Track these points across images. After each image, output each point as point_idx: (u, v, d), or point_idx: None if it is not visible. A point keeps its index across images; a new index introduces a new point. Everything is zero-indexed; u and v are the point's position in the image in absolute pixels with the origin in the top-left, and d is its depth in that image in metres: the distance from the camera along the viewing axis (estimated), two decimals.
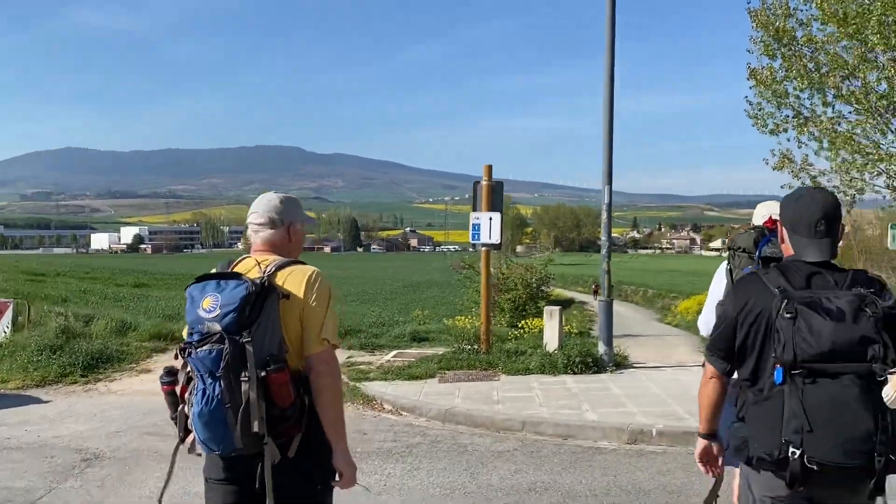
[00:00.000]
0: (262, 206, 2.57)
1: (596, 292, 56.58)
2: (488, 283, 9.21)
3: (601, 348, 8.74)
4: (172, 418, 2.43)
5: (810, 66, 14.36)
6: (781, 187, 15.46)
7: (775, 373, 2.05)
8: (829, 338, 1.99)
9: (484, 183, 9.01)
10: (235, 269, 2.46)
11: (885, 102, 13.34)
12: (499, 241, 8.89)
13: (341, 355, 10.22)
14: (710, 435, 2.49)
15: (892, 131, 13.50)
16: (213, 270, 2.46)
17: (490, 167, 9.14)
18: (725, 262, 3.61)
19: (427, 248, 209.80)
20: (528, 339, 10.71)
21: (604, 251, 8.89)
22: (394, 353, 10.76)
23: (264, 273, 2.36)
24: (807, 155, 14.71)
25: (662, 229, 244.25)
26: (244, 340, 2.20)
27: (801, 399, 2.00)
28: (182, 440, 2.43)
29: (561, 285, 65.14)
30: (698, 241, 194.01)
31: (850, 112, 14.36)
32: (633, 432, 6.07)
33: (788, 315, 2.04)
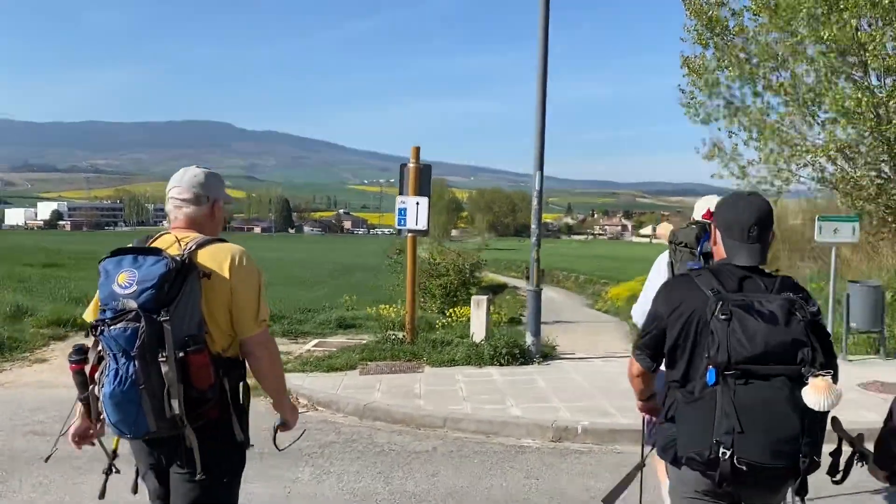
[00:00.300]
0: (186, 181, 2.46)
1: (527, 276, 57.51)
2: (414, 270, 8.77)
3: (528, 339, 8.45)
4: (81, 399, 2.31)
5: (742, 56, 14.45)
6: (711, 176, 15.61)
7: (708, 374, 2.06)
8: (762, 340, 2.02)
9: (411, 165, 8.55)
10: (154, 243, 2.35)
11: (812, 95, 13.51)
12: (426, 227, 8.46)
13: None
14: (648, 399, 2.63)
15: (818, 123, 13.71)
16: (130, 245, 2.33)
17: (418, 149, 8.68)
18: (666, 254, 3.56)
19: (361, 231, 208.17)
20: (457, 328, 10.37)
21: (534, 238, 8.53)
22: (315, 341, 10.25)
23: (185, 250, 2.27)
24: (736, 145, 14.86)
25: (595, 215, 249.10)
26: (162, 319, 2.10)
27: (733, 400, 2.01)
28: (94, 423, 2.32)
29: (494, 270, 65.49)
30: (629, 227, 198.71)
31: (778, 103, 14.55)
32: (557, 429, 5.77)
33: (724, 316, 2.05)
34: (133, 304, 2.11)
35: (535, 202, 8.22)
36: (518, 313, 27.84)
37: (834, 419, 2.17)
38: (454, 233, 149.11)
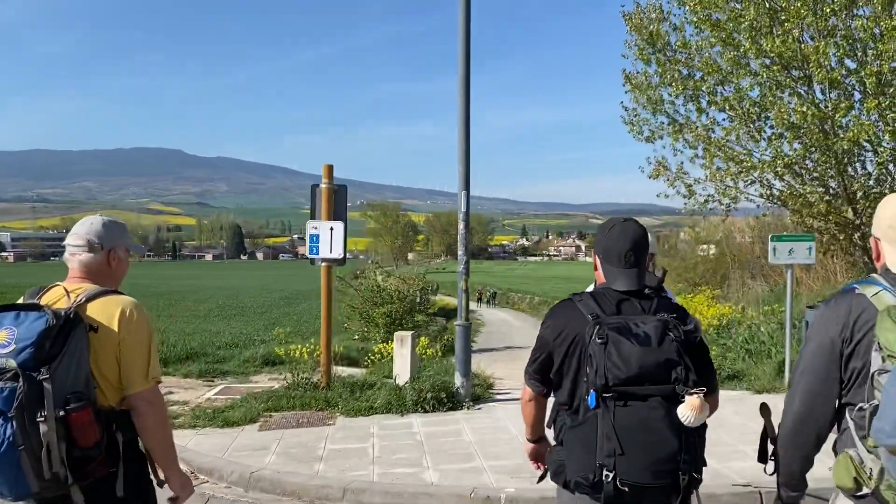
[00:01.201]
0: (82, 228, 2.42)
1: (480, 298, 56.65)
2: (329, 306, 7.76)
3: (458, 380, 7.48)
4: None
5: (684, 71, 13.94)
6: (657, 196, 15.02)
7: (589, 397, 2.09)
8: (636, 362, 2.06)
9: (323, 186, 7.60)
10: (43, 298, 2.32)
11: (757, 109, 13.04)
12: (342, 256, 7.49)
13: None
14: (539, 439, 2.61)
15: (764, 139, 13.22)
16: (20, 300, 2.30)
17: (331, 168, 7.72)
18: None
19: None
20: (384, 366, 9.40)
21: (461, 266, 7.53)
22: (220, 387, 9.16)
23: (73, 304, 2.23)
24: (682, 163, 14.28)
25: (550, 237, 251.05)
26: (42, 378, 2.04)
27: (613, 422, 2.05)
28: None
29: (449, 293, 64.80)
30: (583, 247, 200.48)
31: (723, 119, 14.04)
32: (477, 499, 4.83)
33: (600, 340, 2.09)
34: (13, 364, 2.04)
35: (461, 226, 7.28)
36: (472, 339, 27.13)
37: (763, 405, 2.22)
38: (411, 256, 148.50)
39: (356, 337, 20.06)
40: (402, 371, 7.77)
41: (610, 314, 2.19)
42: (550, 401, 2.40)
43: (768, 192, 13.79)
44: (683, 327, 2.16)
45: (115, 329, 2.24)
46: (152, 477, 2.38)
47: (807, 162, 13.01)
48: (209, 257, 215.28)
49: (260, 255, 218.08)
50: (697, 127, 13.74)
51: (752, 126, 13.28)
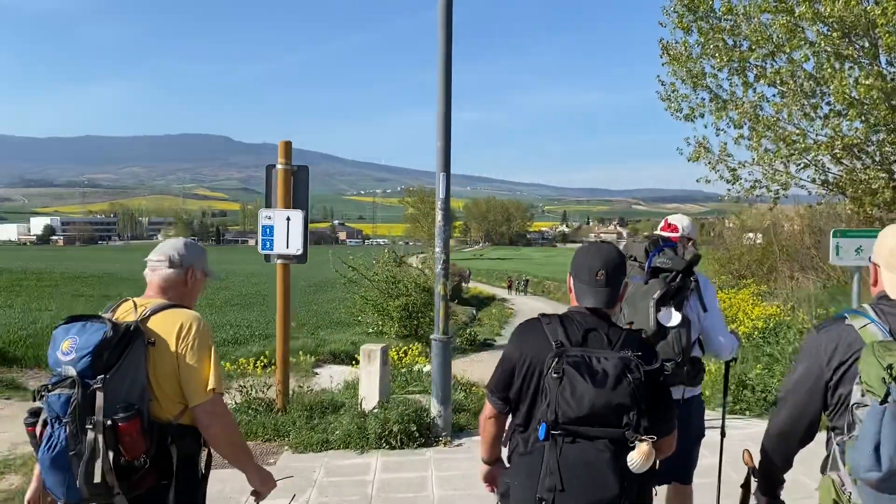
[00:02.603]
0: (165, 246, 2.57)
1: (510, 286, 54.93)
2: (286, 312, 6.46)
3: (434, 408, 6.07)
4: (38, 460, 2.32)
5: (729, 41, 12.25)
6: (697, 181, 13.37)
7: (540, 428, 2.08)
8: (588, 402, 2.02)
9: (280, 167, 6.26)
10: (116, 312, 2.40)
11: (812, 83, 11.33)
12: (301, 251, 6.17)
13: None
14: (495, 461, 2.53)
15: (819, 116, 11.49)
16: (101, 312, 2.39)
17: (288, 144, 6.37)
18: None
19: (355, 242, 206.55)
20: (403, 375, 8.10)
21: (439, 266, 6.00)
22: None
23: (137, 317, 2.31)
24: (725, 144, 12.60)
25: (591, 223, 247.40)
26: (95, 386, 2.13)
27: (559, 458, 2.03)
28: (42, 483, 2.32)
29: (485, 281, 63.56)
30: (625, 234, 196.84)
31: (773, 95, 12.34)
32: None
33: (556, 375, 2.06)
34: (72, 371, 2.15)
35: (438, 216, 5.77)
36: (496, 332, 25.59)
37: (745, 451, 2.34)
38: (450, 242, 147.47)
39: (370, 331, 18.87)
40: (369, 394, 6.37)
41: (575, 343, 2.16)
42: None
43: (823, 177, 12.08)
44: (645, 367, 2.09)
45: (173, 342, 2.29)
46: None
47: (870, 143, 11.28)
48: (252, 242, 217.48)
49: None
50: (744, 103, 12.04)
51: (806, 102, 11.55)
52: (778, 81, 11.60)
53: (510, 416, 2.32)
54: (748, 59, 11.96)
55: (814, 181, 12.26)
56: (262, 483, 2.49)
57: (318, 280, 39.25)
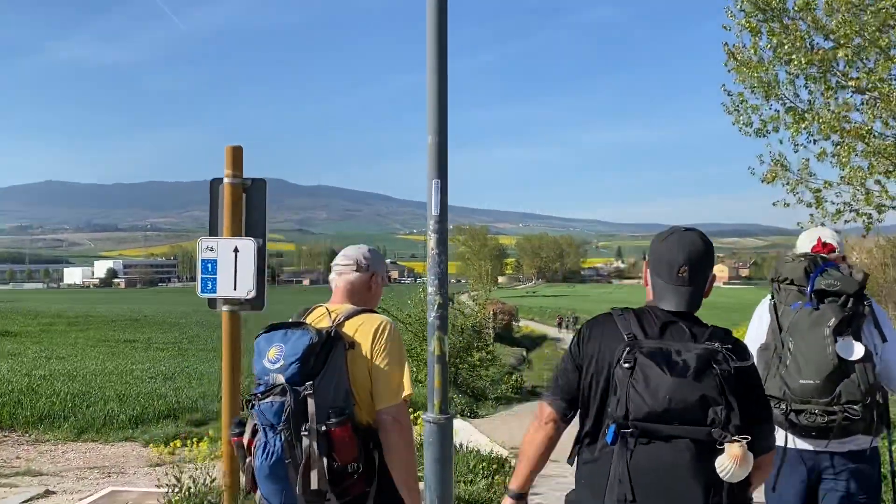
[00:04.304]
0: (351, 251, 2.63)
1: (560, 324, 52.56)
2: (234, 378, 4.83)
3: None
4: (241, 470, 2.36)
5: (805, 44, 10.52)
6: (774, 204, 11.47)
7: (608, 430, 1.84)
8: (665, 395, 1.76)
9: (226, 182, 4.77)
10: (306, 318, 2.45)
11: None
12: (254, 293, 4.64)
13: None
14: (521, 496, 2.14)
15: None
16: (291, 319, 2.41)
17: (237, 149, 4.66)
18: (768, 297, 3.01)
19: (408, 280, 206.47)
20: None
21: (432, 315, 4.13)
22: (106, 491, 6.37)
23: (333, 322, 2.34)
24: (807, 160, 10.77)
25: (646, 258, 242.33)
26: (306, 393, 2.15)
27: (629, 463, 1.77)
28: (249, 492, 2.36)
29: (538, 319, 61.38)
30: None
31: (861, 103, 10.51)
32: None
33: (627, 365, 1.82)
34: (281, 379, 2.17)
35: (431, 241, 4.00)
36: (544, 378, 23.61)
37: None
38: (501, 279, 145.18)
39: None
40: None
41: (651, 336, 1.89)
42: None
43: None
44: (735, 362, 1.80)
45: (368, 346, 2.32)
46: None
47: None
48: (306, 282, 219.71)
49: None
50: (826, 114, 10.21)
51: None
52: (869, 85, 9.79)
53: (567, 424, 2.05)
54: (832, 61, 10.18)
55: None
56: None
57: None
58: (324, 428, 2.11)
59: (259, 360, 2.26)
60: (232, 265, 4.60)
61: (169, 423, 9.61)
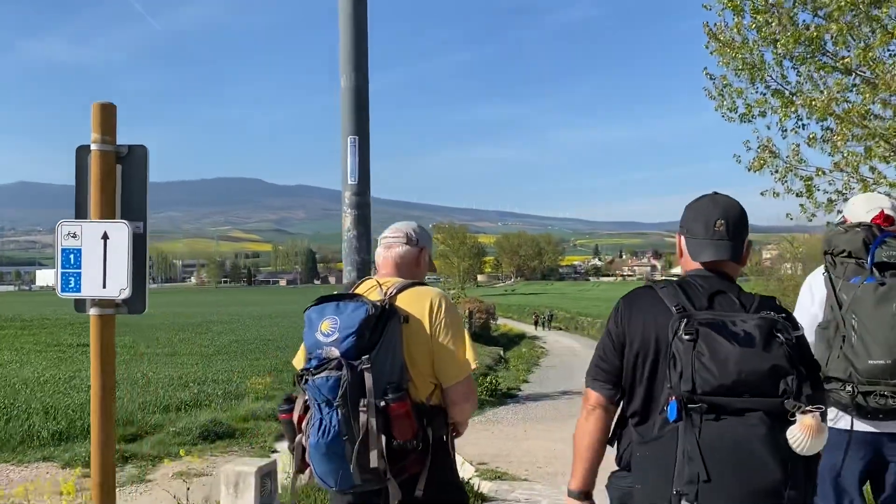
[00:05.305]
0: (399, 225, 2.55)
1: (536, 322, 52.01)
2: (106, 394, 3.65)
3: None
4: (290, 449, 2.29)
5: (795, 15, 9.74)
6: (762, 194, 10.66)
7: (669, 407, 1.71)
8: (735, 366, 1.67)
9: (95, 149, 3.69)
10: (356, 290, 2.40)
11: None
12: (129, 292, 3.60)
13: None
14: (585, 494, 1.99)
15: None
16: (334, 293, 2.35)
17: (107, 107, 3.55)
18: (819, 270, 2.81)
19: None
20: None
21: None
22: None
23: (386, 295, 2.27)
24: (797, 146, 9.95)
25: (624, 256, 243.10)
26: (363, 367, 2.08)
27: (698, 440, 1.66)
28: (299, 472, 2.29)
29: (516, 317, 60.66)
30: (659, 266, 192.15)
31: (852, 85, 9.75)
32: None
33: (688, 337, 1.71)
34: (336, 352, 2.09)
35: (347, 220, 3.05)
36: (519, 382, 22.65)
37: None
38: (480, 278, 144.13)
39: None
40: None
41: (700, 308, 1.81)
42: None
43: None
44: (794, 332, 1.74)
45: (426, 320, 2.25)
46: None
47: None
48: (283, 283, 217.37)
49: (332, 280, 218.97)
50: (821, 93, 9.41)
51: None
52: (862, 64, 9.02)
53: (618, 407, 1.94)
54: (821, 38, 9.40)
55: None
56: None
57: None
58: (382, 403, 2.03)
59: (311, 332, 2.18)
60: (100, 257, 3.56)
61: None
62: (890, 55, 8.85)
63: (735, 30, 10.12)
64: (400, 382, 2.11)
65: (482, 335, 36.71)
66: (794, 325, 1.79)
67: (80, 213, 3.79)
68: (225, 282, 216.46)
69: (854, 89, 9.26)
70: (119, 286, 3.62)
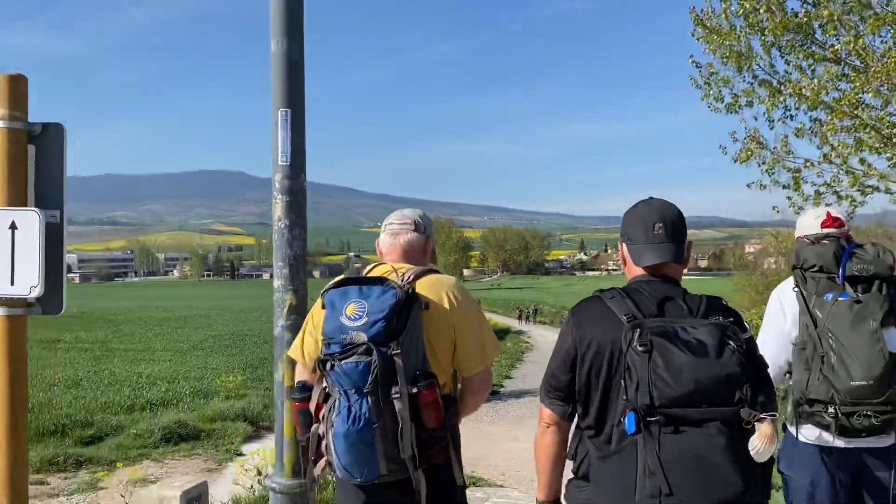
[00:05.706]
0: (406, 212, 2.48)
1: (520, 316, 51.76)
2: (16, 402, 3.37)
3: None
4: (301, 441, 2.22)
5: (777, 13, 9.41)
6: (748, 186, 10.36)
7: (626, 419, 1.68)
8: (690, 376, 1.65)
9: (2, 127, 3.18)
10: (370, 274, 2.30)
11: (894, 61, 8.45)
12: (39, 290, 3.16)
13: None
14: (557, 497, 2.04)
15: None
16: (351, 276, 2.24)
17: (15, 79, 3.05)
18: (788, 285, 2.72)
19: None
20: None
21: (279, 314, 2.74)
22: None
23: (405, 280, 2.18)
24: (786, 136, 9.64)
25: (609, 251, 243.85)
26: (393, 353, 2.00)
27: (659, 453, 1.63)
28: (313, 463, 2.13)
29: (502, 312, 60.49)
30: None
31: (842, 74, 9.44)
32: None
33: (642, 348, 1.69)
34: (363, 337, 2.00)
35: (278, 207, 2.63)
36: (502, 377, 22.35)
37: None
38: (466, 272, 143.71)
39: None
40: None
41: (649, 315, 1.80)
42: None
43: None
44: (744, 334, 1.74)
45: (447, 308, 2.18)
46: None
47: None
48: (267, 276, 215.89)
49: (316, 273, 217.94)
50: (812, 82, 9.09)
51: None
52: (851, 53, 8.71)
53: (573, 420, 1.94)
54: (811, 25, 9.08)
55: None
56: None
57: None
58: (414, 390, 1.98)
59: (334, 316, 2.05)
60: (7, 250, 3.15)
61: (52, 443, 8.12)
62: (882, 42, 8.53)
63: (723, 16, 9.80)
64: (426, 370, 2.06)
65: None
66: (742, 328, 1.77)
67: None
68: (208, 275, 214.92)
69: (844, 78, 8.96)
70: (30, 283, 3.17)
